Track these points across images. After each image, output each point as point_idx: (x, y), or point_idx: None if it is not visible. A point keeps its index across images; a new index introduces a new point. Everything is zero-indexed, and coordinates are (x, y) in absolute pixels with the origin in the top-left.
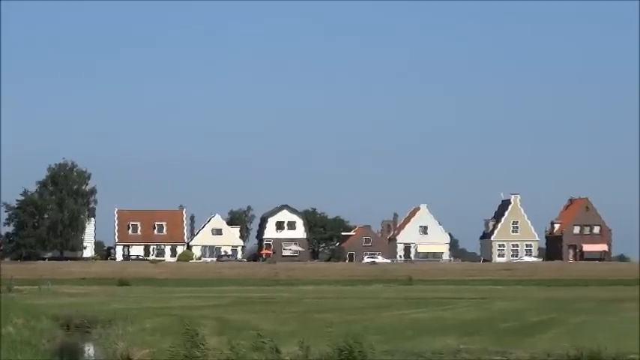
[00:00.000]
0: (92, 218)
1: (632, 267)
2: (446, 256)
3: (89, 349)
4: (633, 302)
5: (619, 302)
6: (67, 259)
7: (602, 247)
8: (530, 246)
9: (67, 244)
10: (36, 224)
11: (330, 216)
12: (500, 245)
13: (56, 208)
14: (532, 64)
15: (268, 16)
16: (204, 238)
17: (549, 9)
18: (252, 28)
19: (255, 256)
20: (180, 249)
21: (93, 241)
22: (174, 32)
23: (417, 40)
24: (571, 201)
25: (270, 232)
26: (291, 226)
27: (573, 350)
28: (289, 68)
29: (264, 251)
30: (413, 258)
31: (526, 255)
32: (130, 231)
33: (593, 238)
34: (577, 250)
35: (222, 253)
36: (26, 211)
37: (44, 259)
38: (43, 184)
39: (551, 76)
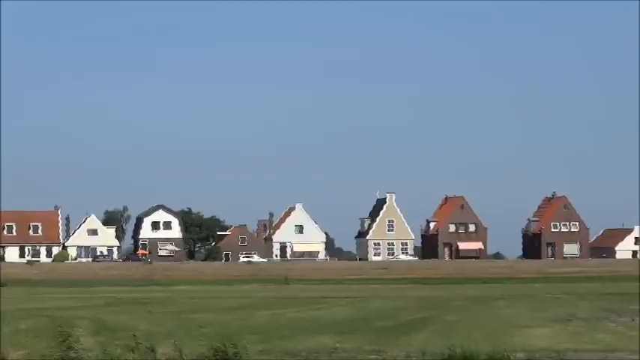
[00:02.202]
0: None
1: (507, 265)
2: (322, 255)
3: None
4: (507, 300)
5: (493, 300)
6: None
7: (477, 245)
8: (406, 244)
9: None
10: None
11: (206, 215)
12: (375, 244)
13: None
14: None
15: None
16: (79, 238)
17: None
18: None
19: (131, 257)
20: (55, 249)
21: None
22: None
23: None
24: (446, 199)
25: (146, 232)
26: (167, 226)
27: (448, 348)
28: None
29: (140, 251)
30: (289, 257)
31: (402, 253)
32: (4, 232)
33: (468, 237)
34: (452, 249)
35: (98, 254)
36: None
37: None
38: None
39: (417, 73)
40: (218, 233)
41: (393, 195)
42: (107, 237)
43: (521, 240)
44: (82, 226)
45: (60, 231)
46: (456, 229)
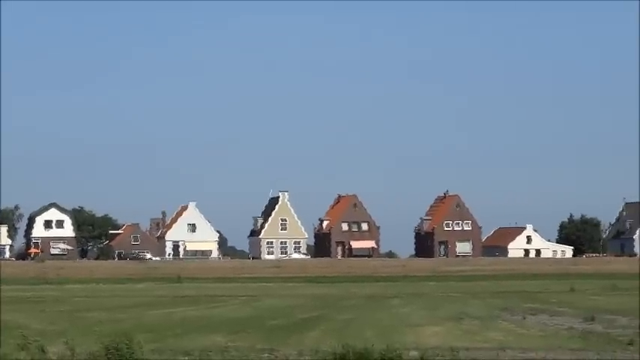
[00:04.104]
0: None
1: (400, 263)
2: (215, 254)
3: None
4: (401, 298)
5: (386, 299)
6: None
7: (370, 243)
8: (299, 243)
9: None
10: None
11: (99, 214)
12: (268, 243)
13: None
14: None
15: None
16: None
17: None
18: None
19: (23, 255)
20: None
21: None
22: None
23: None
24: (339, 198)
25: (39, 230)
26: (60, 224)
27: (340, 347)
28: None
29: (32, 250)
30: (182, 256)
31: (295, 252)
32: None
33: (361, 235)
34: (345, 247)
35: None
36: None
37: None
38: None
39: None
40: (110, 232)
41: (286, 194)
42: None
43: (413, 239)
44: None
45: None
46: (349, 227)
